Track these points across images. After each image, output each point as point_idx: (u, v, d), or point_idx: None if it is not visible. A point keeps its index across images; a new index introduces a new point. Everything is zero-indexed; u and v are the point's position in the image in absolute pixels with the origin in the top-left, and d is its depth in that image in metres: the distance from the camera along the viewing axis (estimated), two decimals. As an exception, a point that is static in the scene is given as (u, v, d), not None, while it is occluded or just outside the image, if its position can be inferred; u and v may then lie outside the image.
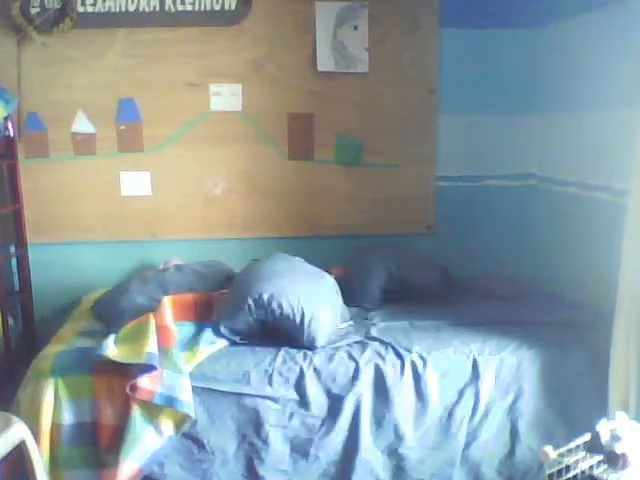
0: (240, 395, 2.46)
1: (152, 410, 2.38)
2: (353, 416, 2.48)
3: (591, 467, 2.06)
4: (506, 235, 3.65)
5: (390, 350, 2.58)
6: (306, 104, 3.51)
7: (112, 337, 2.51)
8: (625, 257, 2.40)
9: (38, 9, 3.28)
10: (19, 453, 2.14)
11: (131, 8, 3.35)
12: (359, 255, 3.37)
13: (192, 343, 2.58)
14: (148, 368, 2.36)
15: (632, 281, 2.36)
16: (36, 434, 2.29)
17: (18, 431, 2.13)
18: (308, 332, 2.57)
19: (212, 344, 2.59)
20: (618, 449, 2.04)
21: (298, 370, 2.49)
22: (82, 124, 3.44)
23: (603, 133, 2.89)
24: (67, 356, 2.52)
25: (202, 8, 3.39)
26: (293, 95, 3.50)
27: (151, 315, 2.59)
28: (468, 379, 2.53)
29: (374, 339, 2.67)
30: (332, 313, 2.72)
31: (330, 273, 3.04)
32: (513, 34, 3.51)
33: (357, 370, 2.50)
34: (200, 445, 2.45)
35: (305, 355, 2.55)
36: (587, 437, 2.12)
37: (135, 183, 3.51)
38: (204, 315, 2.78)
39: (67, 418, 2.40)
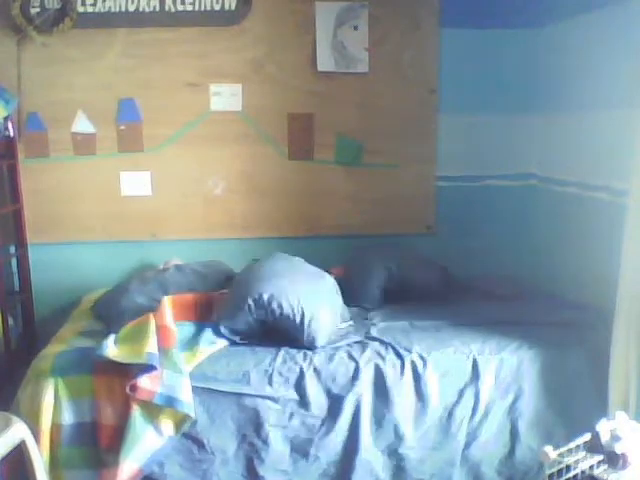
0: (240, 395, 2.46)
1: (152, 410, 2.38)
2: (353, 416, 2.48)
3: (591, 467, 2.06)
4: (506, 235, 3.65)
5: (390, 350, 2.58)
6: (306, 104, 3.51)
7: (112, 337, 2.51)
8: (625, 257, 2.40)
9: (38, 9, 3.28)
10: (19, 453, 2.14)
11: (131, 8, 3.36)
12: (359, 255, 3.38)
13: (192, 343, 2.58)
14: (148, 368, 2.36)
15: (632, 281, 2.36)
16: (36, 434, 2.29)
17: (18, 431, 2.13)
18: (308, 332, 2.57)
19: (212, 344, 2.59)
20: (618, 449, 2.04)
21: (298, 370, 2.49)
22: (82, 124, 3.44)
23: (603, 133, 2.89)
24: (67, 356, 2.52)
25: (202, 8, 3.39)
26: (293, 95, 3.50)
27: (151, 315, 2.59)
28: (468, 379, 2.53)
29: (374, 339, 2.67)
30: (332, 313, 2.72)
31: (330, 273, 3.04)
32: (513, 34, 3.51)
33: (357, 370, 2.50)
34: (200, 445, 2.45)
35: (305, 355, 2.55)
36: (587, 437, 2.13)
37: (135, 183, 3.51)
38: (204, 315, 2.78)
39: (67, 418, 2.40)
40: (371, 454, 2.49)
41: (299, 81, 3.49)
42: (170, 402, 2.36)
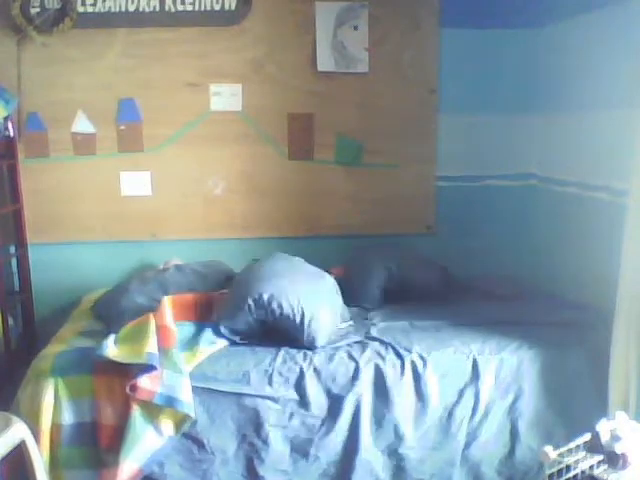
0: (240, 395, 2.46)
1: (152, 410, 2.38)
2: (353, 416, 2.48)
3: (591, 467, 2.06)
4: (506, 235, 3.65)
5: (390, 350, 2.58)
6: (306, 104, 3.51)
7: (112, 337, 2.51)
8: (625, 257, 2.40)
9: (38, 9, 3.28)
10: (19, 453, 2.14)
11: (131, 8, 3.36)
12: (359, 255, 3.37)
13: (192, 343, 2.58)
14: (148, 368, 2.36)
15: (632, 281, 2.36)
16: (36, 434, 2.29)
17: (18, 431, 2.13)
18: (308, 332, 2.57)
19: (212, 344, 2.59)
20: (618, 449, 2.04)
21: (298, 370, 2.49)
22: (82, 124, 3.44)
23: (603, 133, 2.89)
24: (67, 356, 2.51)
25: (202, 8, 3.39)
26: (293, 95, 3.50)
27: (151, 315, 2.59)
28: (468, 379, 2.53)
29: (374, 339, 2.67)
30: (332, 313, 2.72)
31: (330, 273, 3.04)
32: (513, 34, 3.51)
33: (357, 370, 2.50)
34: (200, 445, 2.45)
35: (305, 355, 2.55)
36: (587, 437, 2.13)
37: (135, 183, 3.51)
38: (204, 315, 2.78)
39: (67, 418, 2.40)
40: (371, 454, 2.49)
41: (299, 81, 3.49)
42: (170, 402, 2.36)
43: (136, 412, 2.37)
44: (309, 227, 3.63)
